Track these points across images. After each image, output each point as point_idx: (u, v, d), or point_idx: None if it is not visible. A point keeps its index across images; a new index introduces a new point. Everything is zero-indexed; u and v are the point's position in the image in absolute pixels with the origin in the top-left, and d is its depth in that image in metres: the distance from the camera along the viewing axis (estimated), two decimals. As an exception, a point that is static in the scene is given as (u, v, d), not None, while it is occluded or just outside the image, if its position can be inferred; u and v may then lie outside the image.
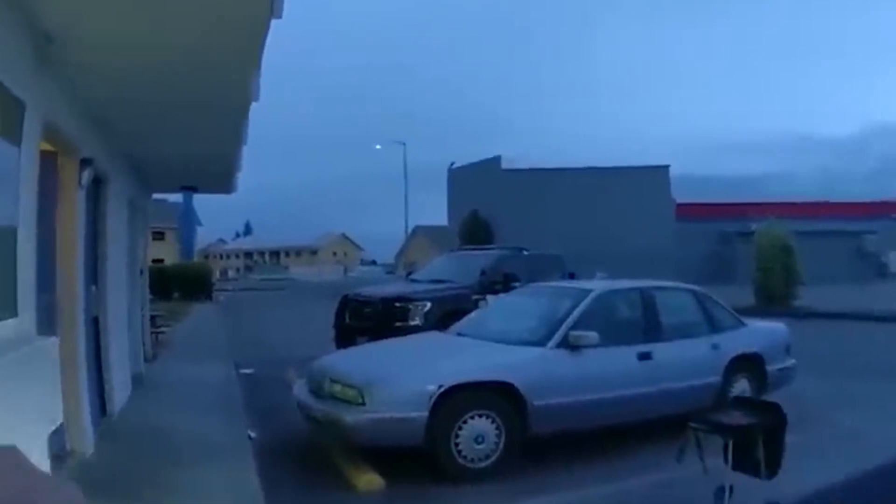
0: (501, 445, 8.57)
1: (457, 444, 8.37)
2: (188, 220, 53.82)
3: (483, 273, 16.89)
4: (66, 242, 7.82)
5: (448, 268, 19.44)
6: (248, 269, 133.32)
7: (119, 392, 10.50)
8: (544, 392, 8.87)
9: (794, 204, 67.05)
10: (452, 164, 70.49)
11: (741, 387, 10.84)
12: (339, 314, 17.19)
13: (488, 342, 10.00)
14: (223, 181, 14.90)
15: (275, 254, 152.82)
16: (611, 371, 9.52)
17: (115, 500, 6.57)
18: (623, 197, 59.27)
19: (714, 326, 11.08)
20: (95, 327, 9.54)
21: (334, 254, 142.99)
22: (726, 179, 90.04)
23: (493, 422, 8.55)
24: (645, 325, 10.49)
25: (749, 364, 11.07)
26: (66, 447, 7.42)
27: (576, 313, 9.82)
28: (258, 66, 6.58)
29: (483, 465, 8.49)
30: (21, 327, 5.37)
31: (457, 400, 8.41)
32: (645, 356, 9.88)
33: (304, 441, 9.65)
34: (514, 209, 55.86)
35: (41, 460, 5.39)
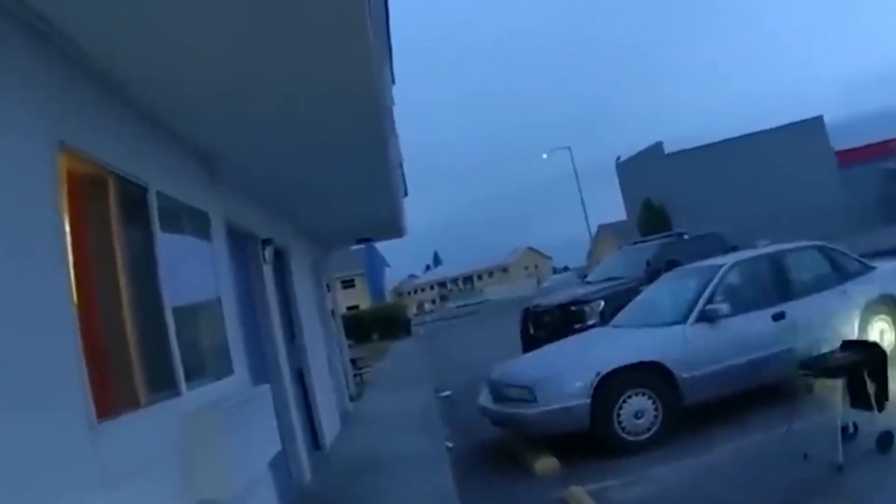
0: (660, 417, 9.60)
1: (619, 422, 9.46)
2: (373, 264, 56.12)
3: (648, 264, 17.54)
4: (263, 309, 9.44)
5: (618, 264, 20.34)
6: (444, 298, 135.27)
7: (328, 428, 12.16)
8: (690, 365, 9.83)
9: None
10: (619, 157, 71.04)
11: (879, 328, 11.31)
12: (523, 326, 18.37)
13: (637, 328, 11.09)
14: (392, 228, 16.32)
15: (467, 279, 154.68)
16: (749, 335, 10.24)
17: None
18: (782, 156, 58.73)
19: (842, 275, 11.57)
20: (301, 376, 11.17)
21: (525, 268, 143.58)
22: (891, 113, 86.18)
23: (649, 398, 9.59)
24: (776, 287, 11.14)
25: (886, 305, 11.47)
26: (289, 476, 8.95)
27: (709, 289, 10.70)
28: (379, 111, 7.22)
29: (645, 436, 9.52)
30: (238, 382, 6.91)
31: (613, 384, 9.50)
32: (779, 316, 10.48)
33: (492, 444, 10.94)
34: (684, 190, 56.28)
35: (265, 484, 6.94)
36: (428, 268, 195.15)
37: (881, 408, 7.40)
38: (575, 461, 9.35)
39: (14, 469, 3.15)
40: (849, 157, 61.78)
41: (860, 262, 12.15)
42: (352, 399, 17.03)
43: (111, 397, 4.32)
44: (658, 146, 62.73)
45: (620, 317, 12.26)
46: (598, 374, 9.53)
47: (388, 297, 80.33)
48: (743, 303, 10.73)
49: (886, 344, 10.91)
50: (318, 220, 12.87)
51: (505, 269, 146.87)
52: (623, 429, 9.51)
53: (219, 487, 5.23)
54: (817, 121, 63.84)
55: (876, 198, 54.52)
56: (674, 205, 53.47)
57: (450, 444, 11.00)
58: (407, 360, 27.71)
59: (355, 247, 26.03)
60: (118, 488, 4.06)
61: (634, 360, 9.80)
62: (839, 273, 11.64)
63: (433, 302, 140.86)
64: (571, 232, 78.82)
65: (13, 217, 3.58)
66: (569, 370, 10.05)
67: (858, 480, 6.91)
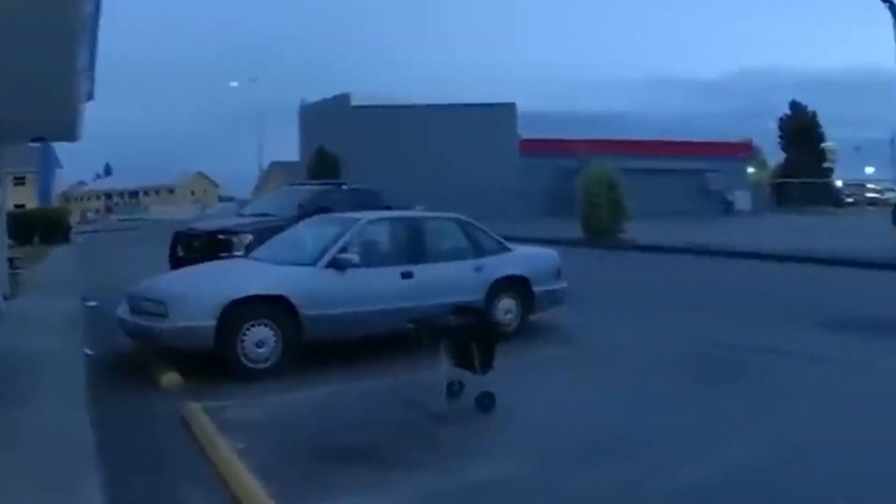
0: (279, 349, 10.44)
1: (242, 348, 10.24)
2: (47, 164, 54.31)
3: (300, 207, 18.45)
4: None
5: (274, 203, 21.42)
6: (109, 210, 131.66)
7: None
8: (314, 304, 10.68)
9: (640, 142, 71.12)
10: (303, 100, 71.49)
11: (507, 305, 12.72)
12: (173, 248, 18.93)
13: (273, 264, 11.90)
14: (66, 131, 16.23)
15: (134, 194, 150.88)
16: (375, 287, 11.28)
17: None
18: (470, 133, 61.33)
19: (478, 251, 12.83)
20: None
21: (192, 192, 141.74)
22: (584, 117, 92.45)
23: (272, 329, 10.39)
24: (409, 249, 12.20)
25: (515, 285, 12.86)
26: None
27: (344, 238, 11.57)
28: None
29: (265, 365, 10.33)
30: None
31: (240, 311, 10.25)
32: (407, 275, 11.63)
33: (129, 355, 11.56)
34: (362, 145, 57.30)
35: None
36: (98, 177, 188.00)
37: (484, 371, 8.31)
38: (200, 380, 10.01)
39: None
40: (532, 147, 65.20)
41: (498, 241, 13.44)
42: (5, 298, 17.31)
43: None
44: (345, 97, 63.42)
45: (260, 251, 13.04)
46: (225, 299, 10.25)
47: (57, 202, 77.69)
48: (374, 257, 11.83)
49: (511, 319, 12.67)
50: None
51: (171, 191, 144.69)
52: (245, 355, 10.27)
53: None
54: (510, 107, 67.07)
55: (549, 190, 57.60)
56: (351, 158, 54.13)
57: (89, 351, 11.67)
58: (63, 266, 27.65)
59: (32, 144, 25.29)
60: None
61: (262, 291, 10.61)
62: (475, 248, 12.90)
63: (97, 212, 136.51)
64: (246, 165, 79.18)
65: None
66: (200, 292, 10.75)
67: (450, 431, 7.93)
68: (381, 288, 11.37)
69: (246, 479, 6.53)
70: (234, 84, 75.20)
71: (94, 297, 17.50)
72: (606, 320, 14.55)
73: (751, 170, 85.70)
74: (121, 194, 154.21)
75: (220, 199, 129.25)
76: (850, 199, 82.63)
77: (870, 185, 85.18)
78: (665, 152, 70.20)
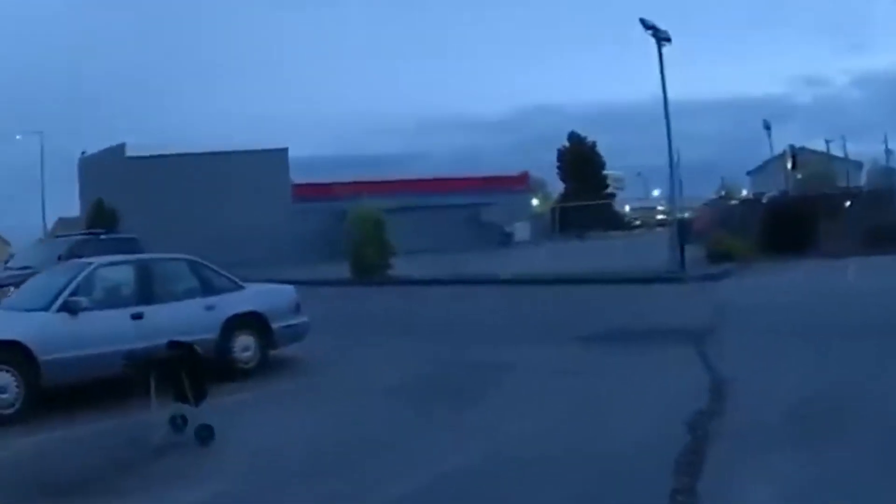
0: (22, 394, 10.55)
1: None
2: None
3: (59, 258, 18.92)
4: None
5: (37, 255, 21.97)
6: None
7: None
8: (50, 349, 10.83)
9: (415, 180, 72.66)
10: (83, 152, 70.11)
11: (244, 342, 13.05)
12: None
13: (11, 311, 12.36)
14: None
15: None
16: (107, 329, 11.42)
17: None
18: (243, 179, 61.57)
19: (209, 290, 13.14)
20: None
21: None
22: (362, 159, 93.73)
23: (12, 375, 10.47)
24: (139, 290, 12.43)
25: (251, 322, 13.22)
26: None
27: (74, 283, 11.83)
28: None
29: (9, 411, 10.39)
30: None
31: None
32: (138, 316, 11.87)
33: None
34: (139, 196, 56.87)
35: None
36: None
37: (198, 403, 8.66)
38: None
39: None
40: (305, 192, 65.56)
41: (231, 279, 13.80)
42: None
43: None
44: (121, 147, 62.58)
45: (4, 301, 13.44)
46: None
47: None
48: (106, 300, 12.19)
49: (249, 356, 13.13)
50: None
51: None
52: None
53: None
54: (282, 152, 67.50)
55: (321, 232, 57.07)
56: (129, 208, 53.45)
57: None
58: None
59: None
60: None
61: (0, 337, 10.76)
62: (207, 287, 13.22)
63: None
64: (35, 220, 77.07)
65: None
66: None
67: (166, 462, 8.23)
68: (112, 330, 11.51)
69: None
70: (19, 137, 72.65)
71: None
72: (351, 351, 15.23)
73: (535, 202, 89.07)
74: None
75: (11, 256, 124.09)
76: (638, 222, 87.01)
77: (660, 207, 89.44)
78: (440, 189, 72.38)
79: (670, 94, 30.85)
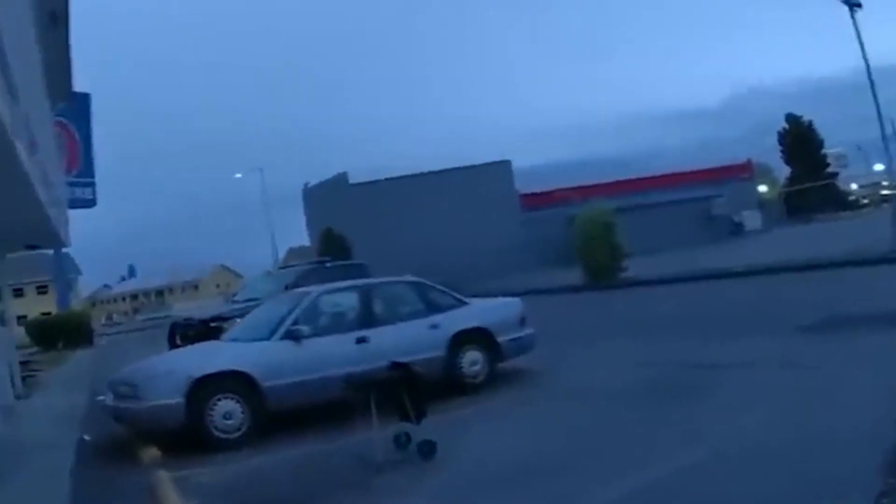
0: (247, 419, 11.21)
1: (212, 421, 11.02)
2: (60, 272, 55.89)
3: (286, 288, 19.39)
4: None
5: (264, 286, 22.70)
6: (136, 311, 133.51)
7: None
8: (272, 375, 11.48)
9: (640, 179, 71.76)
10: (307, 183, 72.82)
11: (472, 357, 13.16)
12: (171, 338, 20.39)
13: (237, 342, 12.96)
14: (52, 239, 17.62)
15: (160, 293, 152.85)
16: (331, 354, 11.92)
17: None
18: (469, 195, 62.10)
19: (434, 309, 13.36)
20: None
21: (217, 285, 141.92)
22: (587, 162, 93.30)
23: (237, 402, 11.18)
24: (363, 314, 12.84)
25: (476, 337, 13.30)
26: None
27: (296, 311, 12.41)
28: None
29: (235, 435, 11.09)
30: None
31: (205, 387, 11.11)
32: (362, 340, 12.26)
33: (121, 438, 12.46)
34: (365, 221, 58.52)
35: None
36: (123, 279, 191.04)
37: (418, 420, 8.88)
38: (178, 453, 10.90)
39: None
40: (533, 201, 66.09)
41: (455, 297, 13.97)
42: (18, 398, 18.62)
43: None
44: (343, 176, 64.73)
45: (229, 332, 14.07)
46: (190, 377, 11.12)
47: (81, 306, 79.12)
48: (330, 326, 12.70)
49: (477, 371, 13.22)
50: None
51: (196, 286, 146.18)
52: (216, 427, 11.05)
53: None
54: (505, 164, 68.21)
55: (551, 240, 57.66)
56: (356, 234, 55.32)
57: (87, 437, 12.75)
58: (82, 367, 28.52)
59: (42, 252, 26.47)
60: None
61: (224, 368, 11.47)
62: (430, 306, 13.42)
63: (125, 314, 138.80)
64: (264, 252, 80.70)
65: None
66: (168, 372, 11.67)
67: (388, 478, 8.45)
68: (337, 354, 11.94)
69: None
70: (239, 175, 76.47)
71: (104, 391, 18.54)
72: (579, 357, 15.22)
73: (763, 188, 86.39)
74: (146, 294, 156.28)
75: (239, 290, 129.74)
76: (866, 200, 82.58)
77: (884, 183, 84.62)
78: (667, 185, 71.37)
79: (873, 61, 29.49)
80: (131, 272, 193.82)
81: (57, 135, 42.03)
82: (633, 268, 34.96)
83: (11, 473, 10.49)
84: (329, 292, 13.62)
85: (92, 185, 46.94)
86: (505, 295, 15.83)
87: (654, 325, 19.18)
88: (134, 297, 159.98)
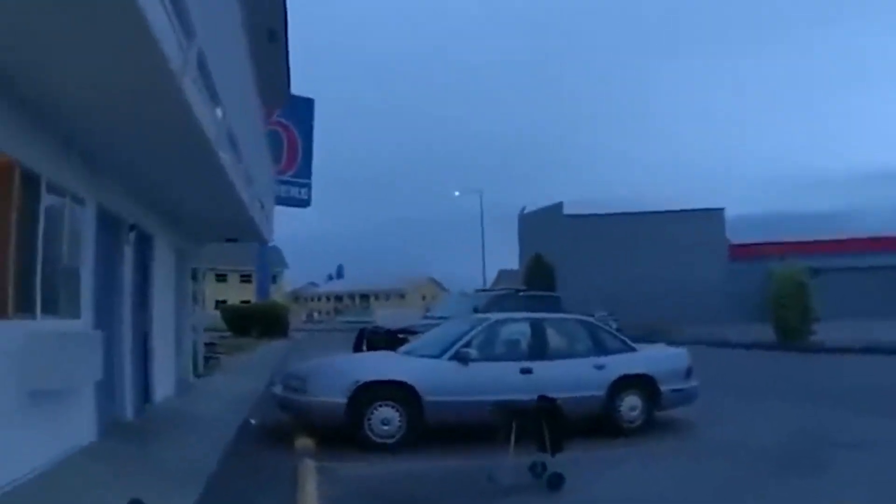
0: (404, 428, 11.78)
1: (370, 425, 11.69)
2: (263, 264, 58.17)
3: (475, 310, 19.88)
4: (119, 279, 12.10)
5: (454, 306, 23.18)
6: (338, 311, 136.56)
7: (161, 388, 14.86)
8: (436, 391, 12.00)
9: (852, 240, 69.07)
10: (523, 208, 74.00)
11: (631, 402, 13.15)
12: (357, 344, 21.13)
13: (409, 356, 13.48)
14: (253, 234, 18.78)
15: (365, 297, 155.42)
16: (494, 380, 12.18)
17: (137, 442, 10.87)
18: (679, 238, 61.77)
19: (601, 350, 13.48)
20: (145, 339, 13.86)
21: (423, 297, 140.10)
22: (803, 216, 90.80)
23: (396, 410, 11.80)
24: (531, 346, 13.21)
25: (639, 383, 13.29)
26: (113, 406, 11.61)
27: (469, 335, 12.92)
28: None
29: (390, 441, 11.66)
30: (81, 324, 9.76)
31: (369, 393, 11.80)
32: (526, 371, 12.51)
33: (285, 425, 13.10)
34: (573, 253, 59.33)
35: (87, 396, 9.68)
36: (330, 278, 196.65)
37: (553, 453, 9.09)
38: (331, 448, 11.43)
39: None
40: (742, 252, 65.12)
41: (623, 341, 14.11)
42: (199, 376, 19.72)
43: None
44: (559, 206, 65.56)
45: (407, 346, 14.61)
46: (356, 381, 11.83)
47: (282, 299, 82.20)
48: (497, 353, 13.06)
49: (635, 416, 13.17)
50: (180, 215, 15.58)
51: (402, 295, 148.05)
52: (372, 431, 11.69)
53: (45, 383, 7.98)
54: (718, 212, 67.48)
55: (755, 292, 57.16)
56: (563, 263, 56.04)
57: (253, 421, 13.52)
58: (267, 357, 29.87)
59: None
60: None
61: (390, 377, 12.08)
62: (598, 347, 13.58)
63: (328, 313, 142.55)
64: (476, 270, 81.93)
65: None
66: (337, 373, 12.50)
67: (513, 501, 8.88)
68: (499, 381, 12.21)
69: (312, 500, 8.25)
70: (457, 194, 78.15)
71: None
72: (739, 415, 15.00)
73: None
74: (351, 296, 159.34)
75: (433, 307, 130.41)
76: None
77: None
78: (875, 249, 68.29)
79: None
80: (339, 273, 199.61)
81: (277, 136, 44.45)
82: (823, 331, 33.93)
83: (173, 437, 11.47)
84: (504, 321, 14.02)
85: (308, 185, 49.00)
86: (694, 344, 15.67)
87: (821, 393, 18.64)
88: (339, 298, 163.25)
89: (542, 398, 9.80)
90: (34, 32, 5.97)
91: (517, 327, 13.84)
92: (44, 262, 8.36)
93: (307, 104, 47.72)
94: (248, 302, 61.59)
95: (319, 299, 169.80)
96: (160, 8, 6.15)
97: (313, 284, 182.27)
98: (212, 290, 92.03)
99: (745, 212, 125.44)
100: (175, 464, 9.62)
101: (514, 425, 9.17)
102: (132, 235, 12.52)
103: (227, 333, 45.62)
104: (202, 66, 8.17)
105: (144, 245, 13.99)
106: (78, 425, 9.65)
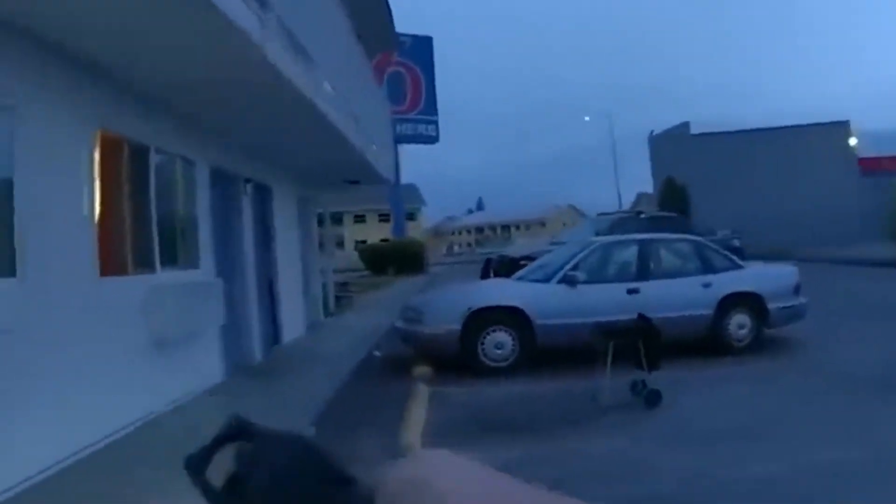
0: (516, 352, 12.33)
1: (483, 350, 12.32)
2: (396, 202, 59.22)
3: (597, 234, 19.84)
4: (238, 229, 13.02)
5: (580, 231, 23.66)
6: (479, 243, 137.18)
7: (290, 329, 15.84)
8: (546, 315, 12.38)
9: None
10: (652, 131, 73.14)
11: (739, 320, 13.21)
12: (485, 271, 22.03)
13: (521, 281, 13.85)
14: (373, 177, 19.46)
15: (505, 227, 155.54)
16: (601, 301, 12.32)
17: (262, 379, 11.82)
18: (804, 154, 59.90)
19: (709, 269, 13.48)
20: (270, 284, 14.82)
21: (563, 224, 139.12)
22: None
23: (509, 334, 12.33)
24: (638, 267, 13.34)
25: (747, 301, 13.28)
26: (240, 350, 12.59)
27: (576, 258, 13.27)
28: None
29: (503, 364, 12.22)
30: (201, 274, 10.68)
31: (482, 318, 12.36)
32: (633, 291, 12.75)
33: (407, 356, 13.72)
34: (702, 173, 57.98)
35: (210, 342, 10.61)
36: (470, 212, 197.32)
37: (650, 370, 9.39)
38: (447, 374, 12.07)
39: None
40: (873, 165, 63.33)
41: (731, 259, 14.12)
42: (330, 315, 20.74)
43: (109, 266, 8.02)
44: (685, 125, 64.24)
45: (520, 272, 14.86)
46: (469, 308, 12.39)
47: (421, 236, 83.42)
48: (604, 275, 13.31)
49: (744, 334, 13.26)
50: (295, 166, 16.45)
51: (543, 224, 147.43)
52: (486, 355, 12.27)
53: (167, 331, 8.88)
54: (843, 125, 65.49)
55: (886, 210, 55.52)
56: (694, 185, 55.50)
57: (377, 353, 14.36)
58: (402, 292, 30.59)
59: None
60: (110, 318, 7.77)
61: (502, 303, 12.60)
62: (705, 266, 13.58)
63: (468, 245, 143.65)
64: (611, 195, 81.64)
65: (70, 165, 7.30)
66: (451, 302, 13.10)
67: (611, 419, 9.10)
68: (606, 302, 12.33)
69: (417, 425, 8.99)
70: (587, 119, 78.02)
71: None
72: (860, 337, 14.26)
73: None
74: (492, 227, 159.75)
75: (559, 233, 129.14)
76: None
77: None
78: None
79: None
80: (479, 205, 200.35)
81: (400, 76, 45.17)
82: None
83: (297, 373, 12.41)
84: (610, 244, 14.35)
85: (434, 122, 49.60)
86: (815, 262, 15.57)
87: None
88: (479, 230, 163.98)
89: (640, 317, 10.12)
90: (142, 31, 6.92)
91: (624, 249, 14.00)
92: (159, 221, 9.26)
93: (426, 42, 48.28)
94: (386, 241, 62.61)
95: (460, 233, 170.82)
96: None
97: (452, 218, 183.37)
98: (351, 231, 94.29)
99: (881, 126, 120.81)
100: (295, 395, 10.46)
101: (610, 346, 9.59)
102: (248, 187, 13.39)
103: (366, 272, 46.81)
104: (284, 30, 8.80)
105: (263, 196, 14.87)
106: (205, 367, 10.67)
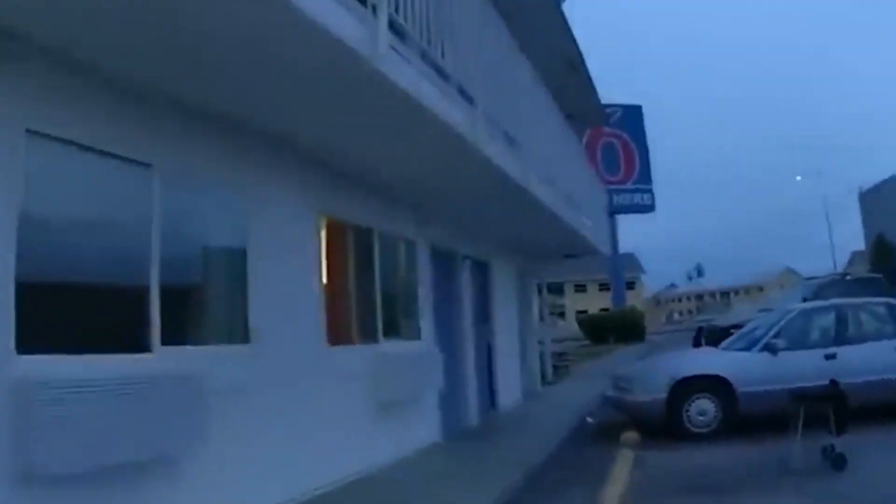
0: (719, 418, 12.55)
1: (687, 416, 12.59)
2: (615, 272, 59.61)
3: (804, 300, 19.62)
4: (457, 302, 14.08)
5: (788, 297, 23.35)
6: (699, 310, 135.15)
7: (506, 396, 16.68)
8: (748, 382, 12.61)
9: None
10: (860, 187, 70.78)
11: None
12: (696, 340, 22.20)
13: (723, 350, 14.19)
14: (590, 249, 20.04)
15: (725, 294, 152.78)
16: (800, 368, 12.33)
17: (478, 441, 12.78)
18: None
19: None
20: (489, 351, 15.79)
21: (781, 286, 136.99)
22: None
23: (711, 401, 12.61)
24: (835, 332, 13.34)
25: None
26: (458, 414, 13.50)
27: (777, 326, 13.45)
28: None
29: (706, 430, 12.49)
30: (423, 345, 11.81)
31: (687, 386, 12.68)
32: (831, 356, 12.71)
33: (618, 423, 14.24)
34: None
35: (429, 405, 11.56)
36: (690, 278, 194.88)
37: (838, 434, 9.42)
38: (653, 440, 12.61)
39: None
40: None
41: None
42: (547, 383, 21.58)
43: (336, 336, 9.19)
44: (894, 179, 62.27)
45: (725, 341, 15.10)
46: (673, 378, 12.81)
47: (641, 304, 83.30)
48: (803, 341, 13.35)
49: None
50: (512, 243, 17.41)
51: (761, 288, 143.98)
52: (690, 422, 12.58)
53: (389, 396, 9.92)
54: None
55: None
56: None
57: (590, 420, 15.01)
58: (621, 360, 30.58)
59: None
60: (335, 383, 8.89)
61: (706, 371, 12.95)
62: None
63: (689, 312, 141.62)
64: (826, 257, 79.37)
65: (298, 244, 8.56)
66: (658, 372, 13.50)
67: (796, 481, 9.14)
68: (805, 368, 12.33)
69: (618, 484, 9.52)
70: (798, 178, 76.35)
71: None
72: None
73: None
74: (711, 294, 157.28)
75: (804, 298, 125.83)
76: None
77: None
78: None
79: None
80: (699, 271, 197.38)
81: (613, 147, 45.84)
82: None
83: (510, 436, 13.29)
84: (808, 310, 14.45)
85: (649, 190, 49.79)
86: None
87: None
88: (699, 297, 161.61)
89: (832, 382, 10.18)
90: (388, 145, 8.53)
91: (823, 315, 14.03)
92: (382, 296, 10.40)
93: (635, 111, 48.64)
94: (606, 310, 63.00)
95: (680, 300, 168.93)
96: (447, 102, 8.00)
97: (673, 286, 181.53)
98: (572, 301, 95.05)
99: None
100: (507, 455, 11.17)
101: (801, 411, 9.74)
102: (466, 264, 14.53)
103: (586, 342, 47.30)
104: (493, 122, 9.71)
105: (481, 271, 15.95)
106: (424, 428, 11.63)
